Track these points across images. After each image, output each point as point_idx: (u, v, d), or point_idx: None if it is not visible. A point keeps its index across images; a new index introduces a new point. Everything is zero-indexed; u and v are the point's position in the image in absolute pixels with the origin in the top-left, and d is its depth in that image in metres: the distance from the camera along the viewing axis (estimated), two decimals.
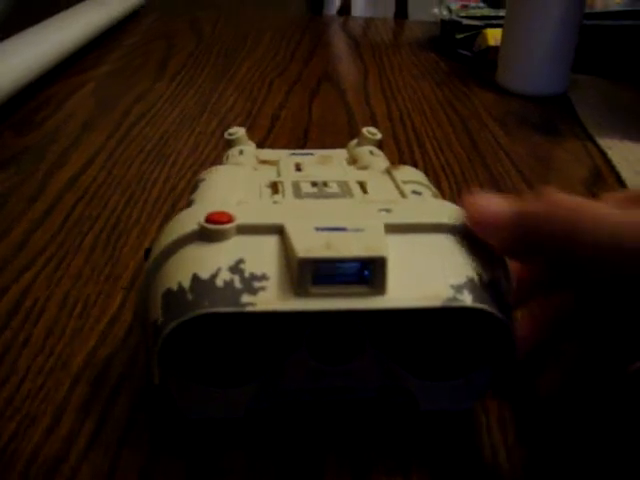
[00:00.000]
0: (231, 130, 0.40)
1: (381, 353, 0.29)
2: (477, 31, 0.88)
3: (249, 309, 0.25)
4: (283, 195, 0.31)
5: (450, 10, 0.94)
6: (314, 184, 0.33)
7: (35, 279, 0.40)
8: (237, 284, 0.25)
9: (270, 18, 1.13)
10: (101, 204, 0.48)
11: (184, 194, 0.49)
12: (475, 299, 0.26)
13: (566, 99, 0.75)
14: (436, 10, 0.98)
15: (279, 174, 0.35)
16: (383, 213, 0.28)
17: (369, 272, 0.25)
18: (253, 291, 0.25)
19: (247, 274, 0.25)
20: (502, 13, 0.83)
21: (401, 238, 0.27)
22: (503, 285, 0.28)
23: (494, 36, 0.85)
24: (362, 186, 0.33)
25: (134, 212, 0.47)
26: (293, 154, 0.39)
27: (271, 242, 0.27)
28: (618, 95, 0.78)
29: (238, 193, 0.32)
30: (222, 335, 0.28)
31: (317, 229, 0.26)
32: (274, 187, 0.33)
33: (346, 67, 0.88)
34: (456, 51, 0.90)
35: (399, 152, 0.60)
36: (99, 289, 0.39)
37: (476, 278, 0.26)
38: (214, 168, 0.36)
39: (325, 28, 1.11)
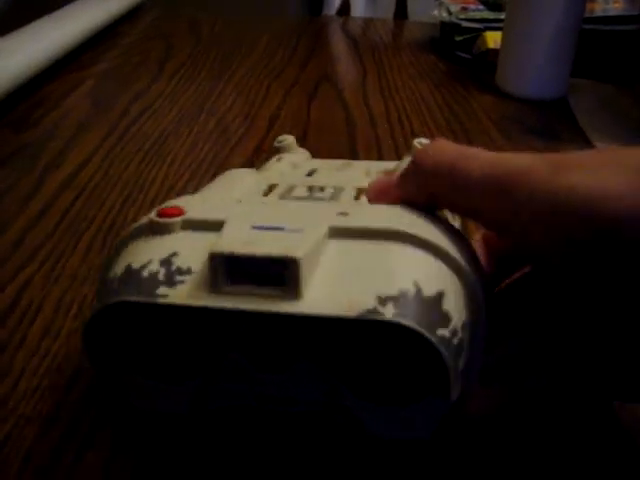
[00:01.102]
0: (280, 137, 0.41)
1: (315, 365, 0.27)
2: (476, 34, 0.88)
3: (160, 301, 0.24)
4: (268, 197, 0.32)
5: (450, 12, 0.94)
6: (310, 188, 0.33)
7: (31, 279, 0.40)
8: (160, 276, 0.25)
9: (269, 19, 1.12)
10: (98, 204, 0.48)
11: (181, 194, 0.49)
12: (398, 314, 0.23)
13: (565, 103, 0.75)
14: (435, 12, 0.98)
15: (286, 177, 0.36)
16: (339, 216, 0.26)
17: (286, 275, 0.24)
18: (172, 284, 0.25)
19: (174, 267, 0.25)
20: (502, 16, 0.83)
21: (343, 243, 0.25)
22: (452, 303, 0.25)
23: (494, 39, 0.85)
24: (359, 192, 0.32)
25: (131, 212, 0.47)
26: (346, 164, 0.39)
27: (210, 238, 0.26)
28: (617, 100, 0.78)
29: (236, 193, 0.32)
30: (156, 328, 0.27)
31: (254, 227, 0.25)
32: (269, 189, 0.33)
33: (345, 67, 0.88)
34: (455, 53, 0.90)
35: (397, 153, 0.59)
36: (95, 290, 0.39)
37: (412, 291, 0.24)
38: (229, 171, 0.37)
39: (324, 28, 1.11)
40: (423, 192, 0.28)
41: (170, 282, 0.25)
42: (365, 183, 0.31)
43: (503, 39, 0.78)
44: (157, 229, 0.27)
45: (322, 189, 0.33)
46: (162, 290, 0.25)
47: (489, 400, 0.28)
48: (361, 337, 0.26)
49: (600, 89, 0.81)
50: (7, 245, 0.43)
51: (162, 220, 0.27)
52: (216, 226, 0.26)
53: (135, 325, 0.27)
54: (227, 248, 0.24)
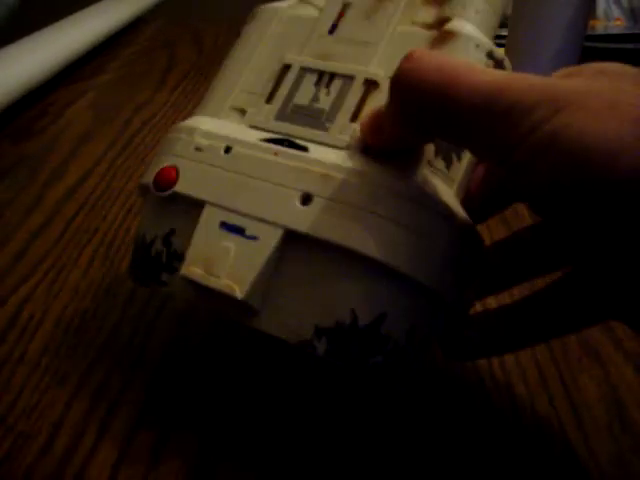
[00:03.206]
0: None
1: None
2: None
3: (163, 289, 0.29)
4: (268, 115, 0.30)
5: None
6: (320, 77, 0.30)
7: (32, 292, 0.39)
8: (163, 258, 0.29)
9: None
10: (100, 216, 0.48)
11: None
12: (329, 351, 0.24)
13: None
14: None
15: (303, 45, 0.32)
16: (299, 209, 0.26)
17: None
18: (171, 270, 0.29)
19: (172, 249, 0.29)
20: (504, 32, 0.83)
21: (297, 254, 0.26)
22: (393, 323, 0.25)
23: None
24: (366, 88, 0.29)
25: (133, 225, 0.47)
26: None
27: (195, 217, 0.28)
28: None
29: (244, 83, 0.32)
30: None
31: (222, 225, 0.27)
32: (276, 84, 0.31)
33: None
34: None
35: None
36: (97, 304, 0.39)
37: (347, 322, 0.25)
38: (259, 14, 0.35)
39: None
40: (412, 130, 0.25)
41: (170, 268, 0.28)
42: (380, 71, 0.29)
43: (506, 55, 0.78)
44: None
45: (331, 79, 0.30)
46: (164, 276, 0.29)
47: None
48: None
49: None
50: (8, 258, 0.43)
51: (157, 194, 0.29)
52: (199, 206, 0.28)
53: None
54: (191, 275, 0.27)
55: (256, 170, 0.27)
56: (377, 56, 0.30)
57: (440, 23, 0.29)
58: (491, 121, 0.22)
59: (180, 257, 0.28)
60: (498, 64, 0.29)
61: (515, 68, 0.74)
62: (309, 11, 0.33)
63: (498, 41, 0.86)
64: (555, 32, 0.71)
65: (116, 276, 0.41)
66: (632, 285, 0.23)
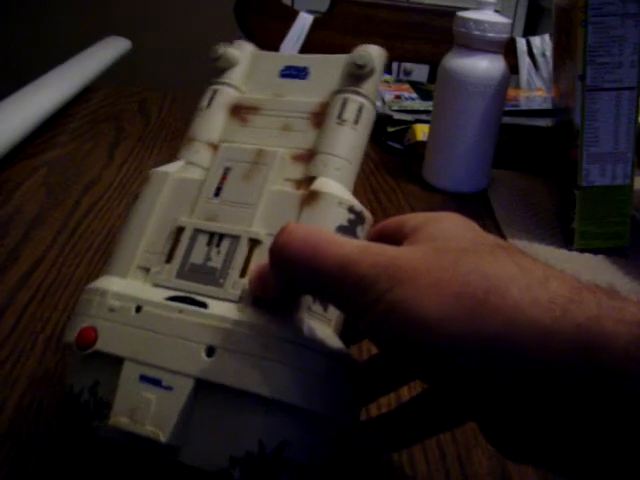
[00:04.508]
0: (214, 49, 0.43)
1: None
2: (407, 125, 0.94)
3: (96, 433, 0.33)
4: (169, 274, 0.36)
5: (384, 101, 1.01)
6: (210, 237, 0.36)
7: None
8: (91, 406, 0.33)
9: None
10: (51, 305, 0.52)
11: None
12: (245, 477, 0.30)
13: (486, 196, 0.82)
14: None
15: (193, 207, 0.37)
16: (204, 357, 0.32)
17: None
18: (101, 417, 0.33)
19: (98, 398, 0.33)
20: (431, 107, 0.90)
21: (208, 399, 0.31)
22: (295, 448, 0.31)
23: (422, 131, 0.91)
24: (251, 248, 0.35)
25: None
26: (286, 72, 0.41)
27: (117, 372, 0.33)
28: (534, 191, 0.85)
29: (145, 244, 0.37)
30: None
31: (142, 378, 0.32)
32: (173, 244, 0.37)
33: None
34: (387, 143, 0.96)
35: None
36: (52, 392, 0.43)
37: (255, 451, 0.30)
38: (152, 177, 0.39)
39: None
40: (289, 287, 0.32)
41: (99, 415, 0.33)
42: (262, 230, 0.35)
43: (429, 133, 0.85)
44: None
45: (220, 240, 0.36)
46: (95, 422, 0.33)
47: None
48: None
49: (519, 180, 0.88)
50: None
51: (78, 352, 0.34)
52: (118, 362, 0.33)
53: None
54: (119, 425, 0.32)
55: (165, 327, 0.33)
56: (257, 215, 0.36)
57: (308, 180, 0.37)
58: (345, 289, 0.29)
59: (107, 405, 0.33)
60: (358, 216, 0.36)
61: (437, 145, 0.79)
62: (196, 173, 0.39)
63: (426, 117, 0.92)
64: (473, 113, 0.78)
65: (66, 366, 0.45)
66: (464, 405, 0.30)
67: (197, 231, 0.36)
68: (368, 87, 0.39)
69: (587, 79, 0.63)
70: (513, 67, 1.27)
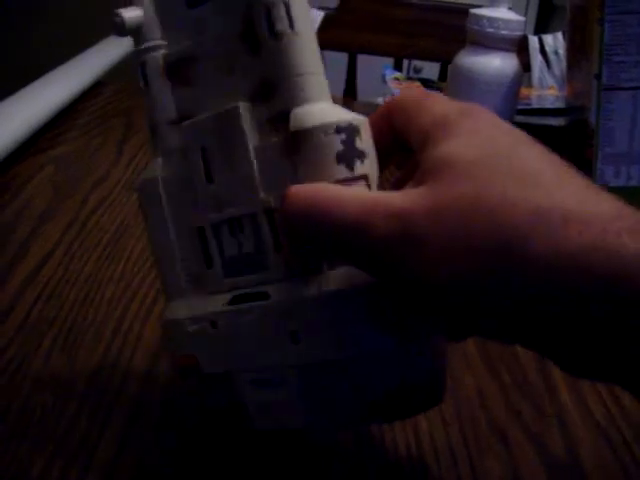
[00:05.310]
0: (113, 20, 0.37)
1: None
2: None
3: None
4: (218, 278, 0.35)
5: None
6: (230, 226, 0.34)
7: None
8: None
9: None
10: (58, 304, 0.52)
11: (137, 294, 0.53)
12: None
13: None
14: (380, 99, 1.04)
15: (195, 200, 0.36)
16: (291, 344, 0.32)
17: None
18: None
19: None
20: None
21: (319, 373, 0.33)
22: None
23: None
24: (271, 217, 0.33)
25: (90, 312, 0.51)
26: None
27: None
28: None
29: (180, 255, 0.36)
30: None
31: (253, 383, 0.34)
32: (203, 247, 0.36)
33: None
34: None
35: None
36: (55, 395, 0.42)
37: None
38: (146, 190, 0.38)
39: None
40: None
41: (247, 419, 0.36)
42: (269, 196, 0.33)
43: None
44: None
45: (241, 226, 0.34)
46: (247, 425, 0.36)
47: None
48: None
49: None
50: None
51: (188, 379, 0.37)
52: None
53: None
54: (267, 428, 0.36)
55: (245, 331, 0.33)
56: (258, 183, 0.33)
57: (281, 117, 0.32)
58: (358, 255, 0.29)
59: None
60: (349, 130, 0.31)
61: None
62: (180, 164, 0.36)
63: None
64: (487, 106, 0.77)
65: (73, 367, 0.45)
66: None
67: (215, 225, 0.35)
68: None
69: (603, 78, 0.62)
70: (525, 65, 1.26)
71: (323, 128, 0.31)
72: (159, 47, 0.36)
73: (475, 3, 0.97)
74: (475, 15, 0.77)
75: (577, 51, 0.72)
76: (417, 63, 2.14)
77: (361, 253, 0.28)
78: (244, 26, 0.33)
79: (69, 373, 0.44)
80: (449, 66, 0.81)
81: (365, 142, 0.31)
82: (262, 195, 0.33)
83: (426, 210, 0.27)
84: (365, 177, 0.31)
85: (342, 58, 1.46)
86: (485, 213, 0.26)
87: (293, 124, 0.31)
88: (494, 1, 0.78)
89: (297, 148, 0.31)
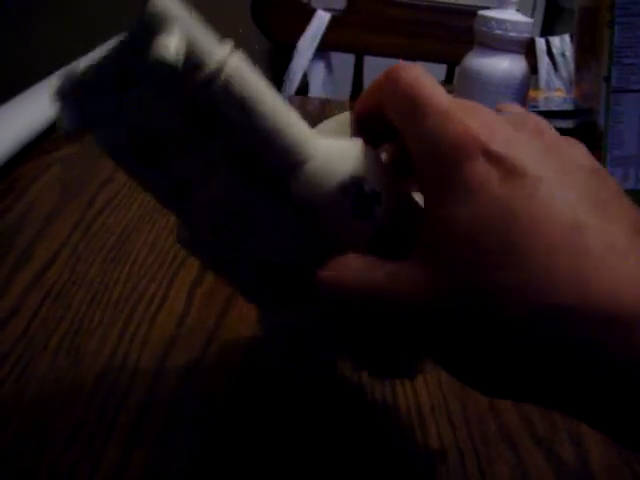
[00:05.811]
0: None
1: None
2: None
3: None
4: None
5: None
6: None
7: (1, 385, 0.43)
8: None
9: None
10: (64, 305, 0.52)
11: (144, 296, 0.53)
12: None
13: None
14: None
15: None
16: None
17: None
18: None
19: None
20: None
21: None
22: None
23: None
24: None
25: (97, 314, 0.51)
26: None
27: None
28: None
29: None
30: None
31: None
32: None
33: None
34: None
35: None
36: (63, 396, 0.42)
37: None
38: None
39: None
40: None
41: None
42: None
43: None
44: None
45: None
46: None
47: None
48: None
49: None
50: None
51: None
52: None
53: None
54: None
55: None
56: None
57: (272, 175, 0.31)
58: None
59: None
60: (355, 187, 0.30)
61: None
62: None
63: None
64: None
65: (80, 368, 0.45)
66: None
67: None
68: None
69: (612, 80, 0.62)
70: (532, 67, 1.26)
71: (330, 196, 0.30)
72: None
73: (482, 5, 0.97)
74: (483, 17, 0.77)
75: (586, 53, 0.71)
76: (423, 65, 2.14)
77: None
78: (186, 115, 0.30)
79: (76, 375, 0.44)
80: (457, 68, 0.81)
81: (370, 173, 0.31)
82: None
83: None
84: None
85: (349, 59, 1.46)
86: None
87: (297, 199, 0.30)
88: (502, 3, 0.78)
89: (309, 220, 0.31)
